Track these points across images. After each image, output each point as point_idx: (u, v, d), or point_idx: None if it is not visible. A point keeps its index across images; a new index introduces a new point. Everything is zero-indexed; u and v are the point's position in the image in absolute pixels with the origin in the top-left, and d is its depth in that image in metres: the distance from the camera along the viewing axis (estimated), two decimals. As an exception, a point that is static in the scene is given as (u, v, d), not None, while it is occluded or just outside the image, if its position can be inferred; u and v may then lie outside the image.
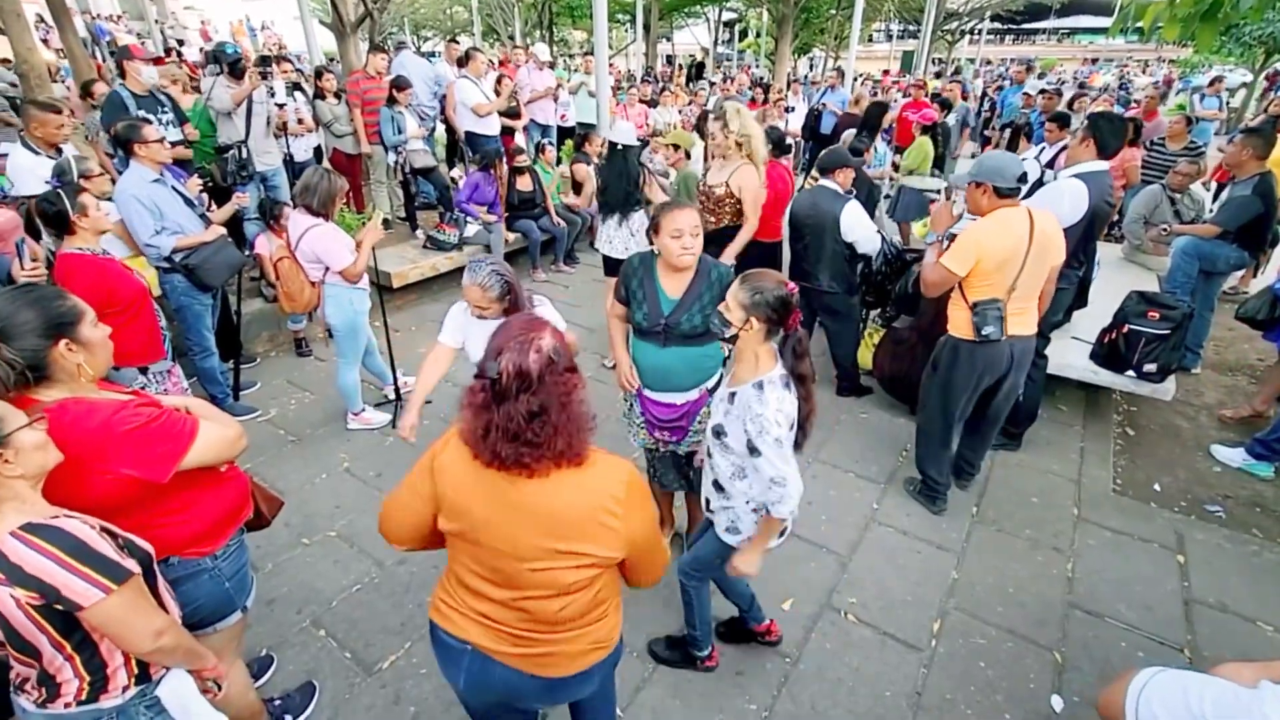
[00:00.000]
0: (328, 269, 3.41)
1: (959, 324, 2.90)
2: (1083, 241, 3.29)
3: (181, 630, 1.45)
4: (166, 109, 4.81)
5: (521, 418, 1.23)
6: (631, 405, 2.61)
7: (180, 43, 12.52)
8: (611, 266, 4.65)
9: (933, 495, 3.30)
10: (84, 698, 1.35)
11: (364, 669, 2.47)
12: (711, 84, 12.52)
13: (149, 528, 1.59)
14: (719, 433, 1.96)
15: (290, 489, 3.41)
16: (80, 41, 10.15)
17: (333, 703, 2.34)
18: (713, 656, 2.44)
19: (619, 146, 4.10)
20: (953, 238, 2.88)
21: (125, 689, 1.40)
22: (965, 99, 8.54)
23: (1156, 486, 3.55)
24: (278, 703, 2.23)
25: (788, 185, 4.59)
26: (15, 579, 1.21)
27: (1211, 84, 9.25)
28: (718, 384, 2.54)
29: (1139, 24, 3.99)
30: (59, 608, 1.23)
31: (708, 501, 2.14)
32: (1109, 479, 3.60)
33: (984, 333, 2.76)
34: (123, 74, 4.65)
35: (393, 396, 4.10)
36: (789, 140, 8.21)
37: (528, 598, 1.36)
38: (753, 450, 1.85)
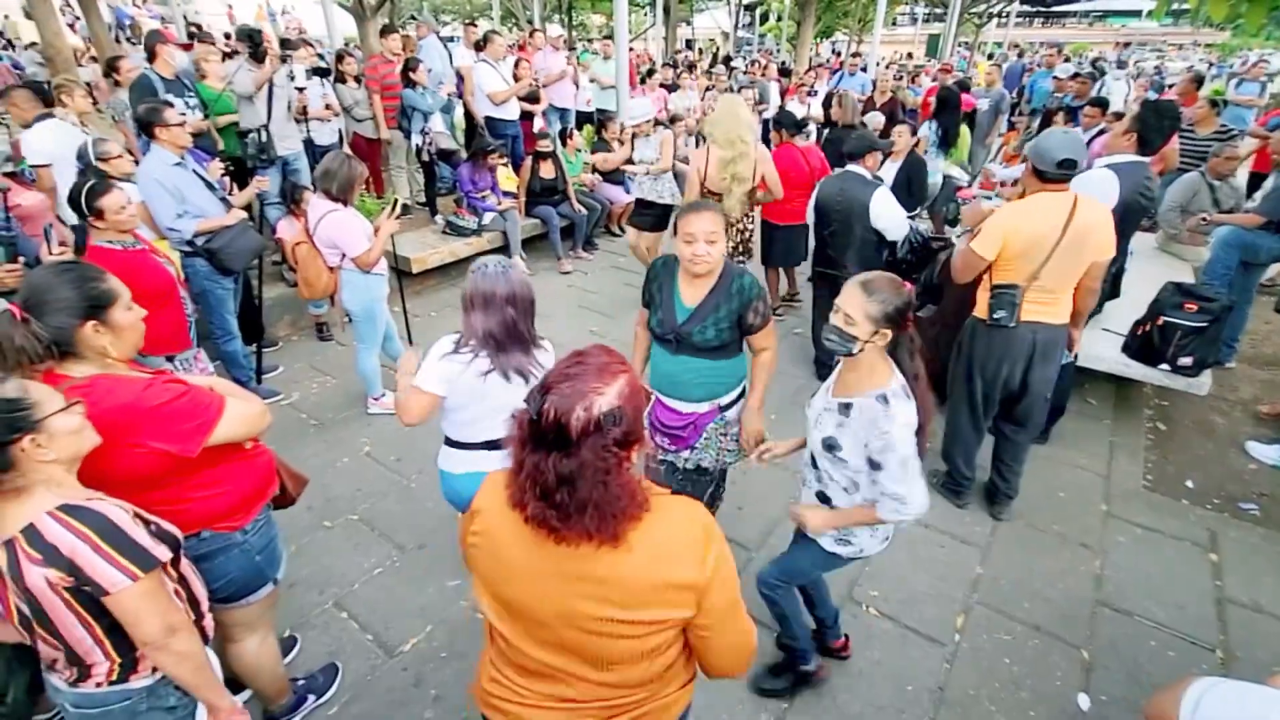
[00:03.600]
0: (344, 255, 3.41)
1: (980, 305, 2.84)
2: (1116, 235, 3.17)
3: (198, 642, 1.41)
4: (192, 94, 4.84)
5: (551, 474, 1.04)
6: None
7: (199, 27, 12.55)
8: (646, 214, 5.07)
9: (956, 489, 3.24)
10: (114, 678, 1.37)
11: (385, 651, 2.49)
12: (731, 69, 12.30)
13: (180, 502, 1.62)
14: (831, 446, 1.80)
15: (312, 472, 3.37)
16: (105, 26, 10.25)
17: (355, 684, 2.36)
18: (824, 666, 2.30)
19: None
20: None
21: (155, 669, 1.41)
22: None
23: (1189, 483, 3.46)
24: (301, 682, 2.26)
25: (800, 166, 4.53)
26: (49, 560, 1.21)
27: (1253, 67, 8.88)
28: (733, 402, 2.39)
29: (1185, 5, 3.78)
30: (87, 589, 1.23)
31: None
32: (1140, 475, 3.52)
33: (995, 316, 2.69)
34: (152, 58, 4.67)
35: (412, 381, 4.11)
36: (812, 126, 8.12)
37: (599, 676, 1.17)
38: (874, 465, 1.73)
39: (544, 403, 1.03)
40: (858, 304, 1.68)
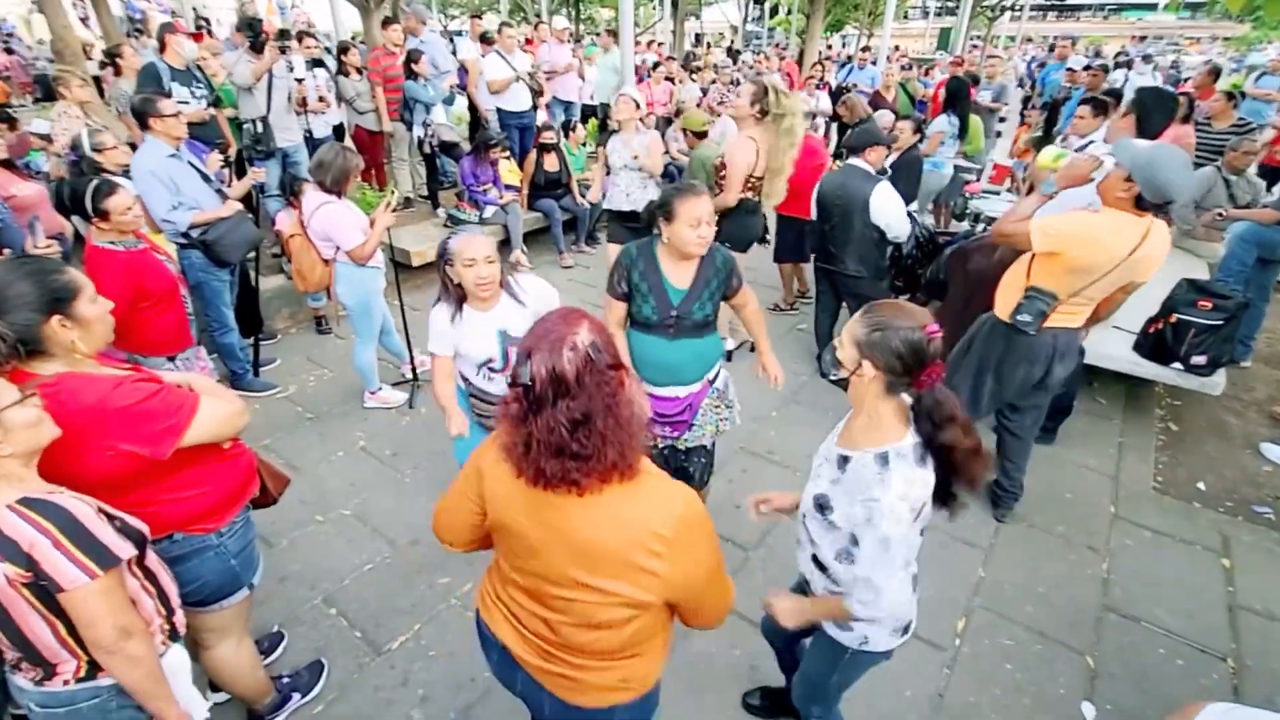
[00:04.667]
0: (339, 248, 3.37)
1: (1005, 302, 2.69)
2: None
3: (152, 647, 1.37)
4: (201, 84, 4.82)
5: (564, 428, 1.07)
6: None
7: (206, 20, 12.58)
8: (623, 226, 4.64)
9: None
10: (82, 675, 1.33)
11: (373, 649, 2.45)
12: (738, 62, 12.20)
13: (151, 504, 1.57)
14: (822, 506, 1.50)
15: (306, 466, 3.41)
16: (115, 21, 10.28)
17: (341, 682, 2.32)
18: None
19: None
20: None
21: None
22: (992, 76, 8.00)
23: (1201, 485, 3.37)
24: (286, 680, 2.22)
25: (809, 161, 4.44)
26: (7, 554, 1.17)
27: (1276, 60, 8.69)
28: (717, 375, 2.45)
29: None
30: (44, 585, 1.19)
31: (805, 585, 1.72)
32: (1149, 476, 3.43)
33: (1017, 318, 2.58)
34: (163, 48, 4.66)
35: (410, 376, 4.08)
36: (821, 120, 8.01)
37: (560, 622, 1.26)
38: (853, 540, 1.43)
39: (533, 367, 1.08)
40: (851, 324, 1.44)
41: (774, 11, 27.67)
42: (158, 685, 1.36)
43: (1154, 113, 3.08)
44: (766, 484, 3.26)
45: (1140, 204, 2.30)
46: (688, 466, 2.56)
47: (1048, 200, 2.54)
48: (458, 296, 2.27)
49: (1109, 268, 2.37)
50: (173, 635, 1.47)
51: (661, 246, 2.25)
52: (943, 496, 1.44)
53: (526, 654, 1.34)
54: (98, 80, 7.22)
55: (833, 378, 1.48)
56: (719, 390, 2.47)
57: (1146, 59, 13.00)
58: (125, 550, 1.28)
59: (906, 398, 1.41)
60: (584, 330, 1.11)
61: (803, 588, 1.75)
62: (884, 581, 1.38)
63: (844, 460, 1.47)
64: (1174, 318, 3.40)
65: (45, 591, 1.21)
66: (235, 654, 1.92)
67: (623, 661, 1.29)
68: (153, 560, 1.45)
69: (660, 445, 2.50)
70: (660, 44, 15.76)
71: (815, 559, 1.60)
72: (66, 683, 1.32)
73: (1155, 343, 3.52)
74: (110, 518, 1.31)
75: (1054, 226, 2.41)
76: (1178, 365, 3.45)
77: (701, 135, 4.78)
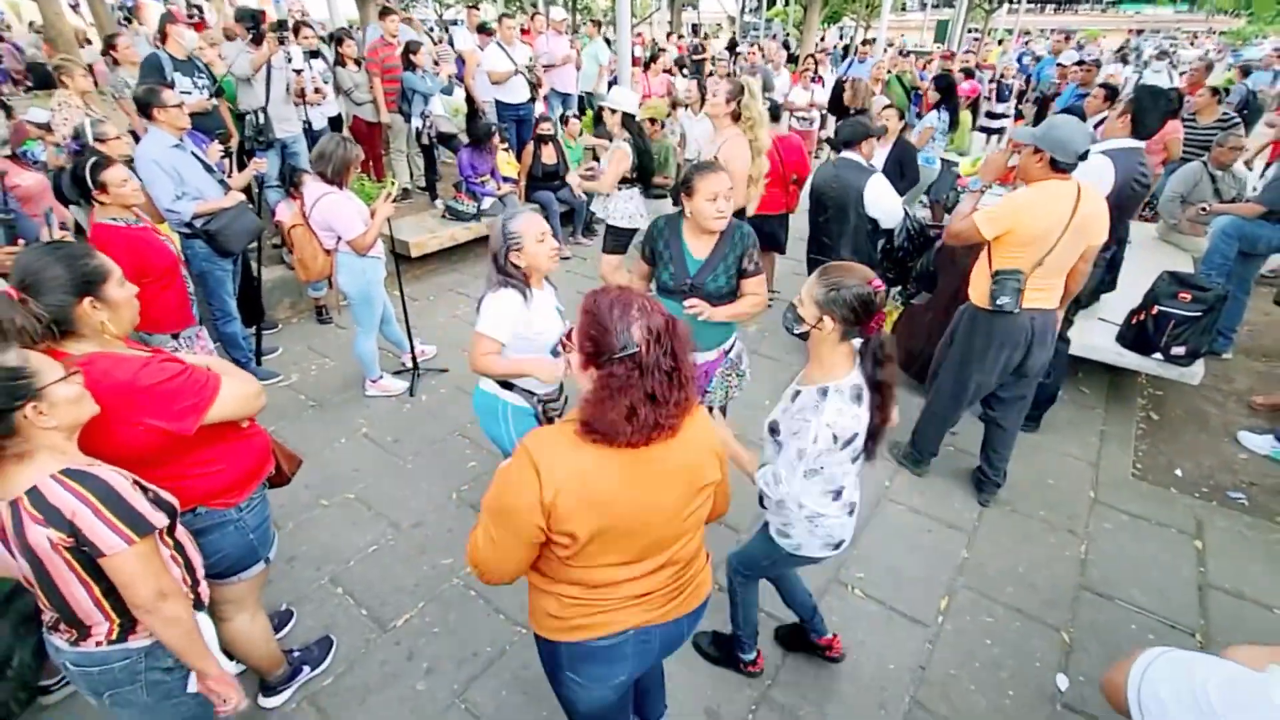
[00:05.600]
0: (340, 238, 3.44)
1: (979, 292, 2.83)
2: (1110, 223, 3.18)
3: (189, 608, 1.45)
4: (203, 75, 4.85)
5: (665, 377, 1.23)
6: None
7: (199, 9, 12.50)
8: (622, 239, 4.61)
9: (917, 460, 3.34)
10: (114, 637, 1.42)
11: (379, 625, 2.54)
12: (736, 54, 12.22)
13: (178, 478, 1.66)
14: (774, 430, 1.83)
15: (310, 452, 3.47)
16: (107, 8, 10.21)
17: (349, 656, 2.42)
18: (758, 661, 2.35)
19: (635, 119, 4.08)
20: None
21: (153, 632, 1.45)
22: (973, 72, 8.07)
23: (1178, 472, 3.49)
24: (297, 654, 2.32)
25: (770, 156, 4.52)
26: (52, 520, 1.26)
27: (1270, 56, 8.75)
28: (733, 346, 2.64)
29: None
30: (85, 550, 1.28)
31: (761, 499, 1.99)
32: (1129, 463, 3.54)
33: (998, 302, 2.69)
34: (164, 38, 4.68)
35: (410, 365, 4.15)
36: (815, 112, 8.06)
37: (678, 551, 1.42)
38: (779, 441, 1.79)
39: (635, 334, 1.21)
40: (808, 285, 1.70)
41: (771, 3, 27.60)
42: (196, 643, 1.46)
43: (1150, 112, 3.16)
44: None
45: (1056, 166, 2.55)
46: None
47: (980, 195, 2.82)
48: (524, 279, 2.18)
49: (1059, 231, 2.57)
50: (197, 605, 1.56)
51: (686, 220, 2.43)
52: (870, 439, 1.75)
53: (658, 609, 1.44)
54: (90, 68, 7.21)
55: (796, 332, 1.74)
56: (733, 360, 2.65)
57: (1163, 55, 12.16)
58: (159, 519, 1.37)
59: (855, 342, 1.72)
60: (639, 295, 1.28)
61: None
62: (786, 476, 1.74)
63: (796, 394, 1.80)
64: (1155, 309, 3.50)
65: (86, 556, 1.30)
66: (250, 626, 2.02)
67: (703, 548, 1.55)
68: (181, 532, 1.54)
69: None
70: (654, 39, 15.73)
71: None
72: (99, 644, 1.41)
73: (1137, 334, 3.63)
74: (144, 489, 1.39)
75: (995, 210, 2.65)
76: (1158, 356, 3.55)
77: (657, 124, 4.83)
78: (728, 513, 1.63)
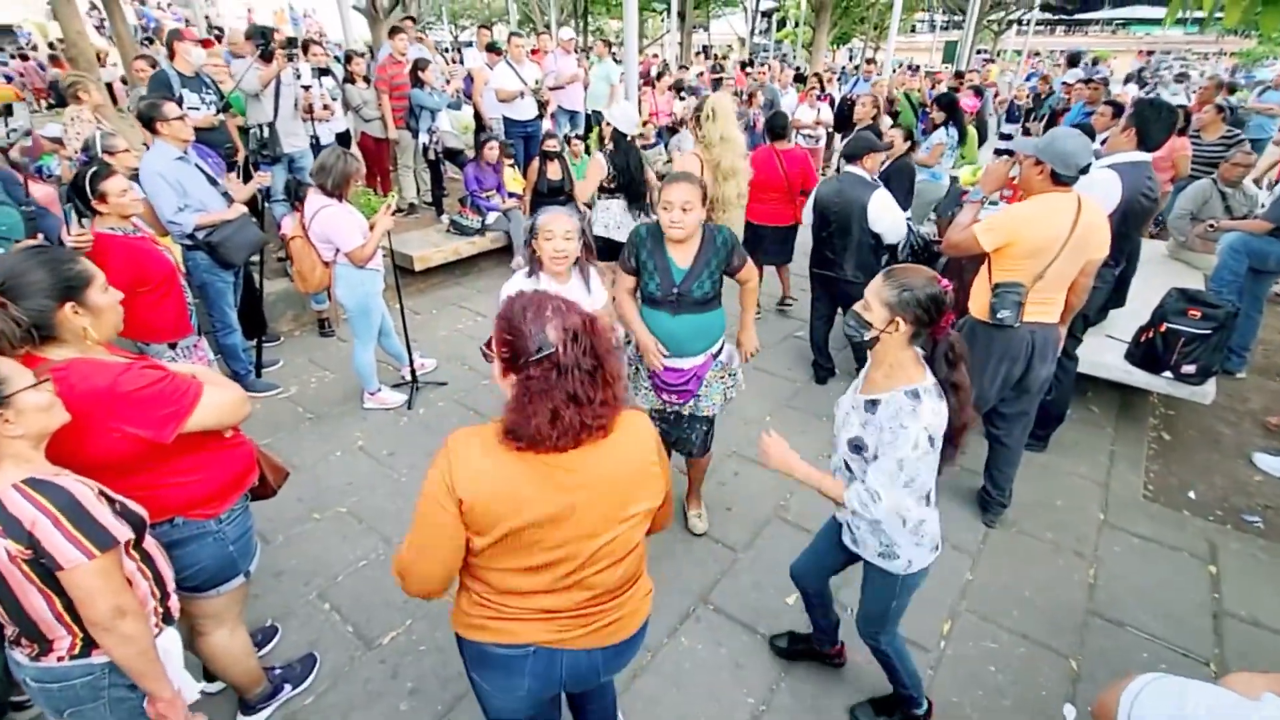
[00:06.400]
0: (339, 250, 3.44)
1: (979, 304, 2.79)
2: (1117, 238, 3.12)
3: (147, 628, 1.40)
4: (210, 91, 4.93)
5: (586, 378, 1.21)
6: (637, 369, 2.68)
7: (221, 30, 12.83)
8: (611, 250, 4.61)
9: None
10: (76, 652, 1.38)
11: (365, 643, 2.49)
12: (748, 74, 12.33)
13: (154, 488, 1.63)
14: (859, 447, 1.73)
15: (305, 464, 3.47)
16: (129, 29, 10.49)
17: (332, 674, 2.36)
18: (929, 714, 2.17)
19: (626, 136, 4.15)
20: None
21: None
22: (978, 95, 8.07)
23: (1191, 494, 3.38)
24: (278, 671, 2.27)
25: (774, 170, 4.58)
26: (10, 532, 1.23)
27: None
28: (721, 349, 2.64)
29: (1198, 11, 3.64)
30: (44, 563, 1.25)
31: (850, 529, 1.93)
32: (1140, 484, 3.44)
33: (999, 316, 2.64)
34: (172, 55, 4.77)
35: (409, 378, 4.14)
36: (822, 130, 8.08)
37: (592, 576, 1.33)
38: (874, 455, 1.68)
39: (551, 334, 1.20)
40: (875, 288, 1.65)
41: (780, 25, 27.90)
42: (151, 664, 1.40)
43: (1154, 123, 3.12)
44: (757, 487, 3.30)
45: (1056, 179, 2.52)
46: (690, 434, 2.78)
47: (980, 206, 2.79)
48: (539, 267, 2.39)
49: (1059, 243, 2.53)
50: (166, 619, 1.52)
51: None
52: (951, 442, 1.69)
53: (566, 632, 1.37)
54: (109, 87, 7.38)
55: (866, 339, 1.68)
56: (722, 363, 2.65)
57: (1181, 78, 11.79)
58: (123, 533, 1.34)
59: (917, 349, 1.68)
60: (557, 298, 1.28)
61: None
62: (885, 492, 1.64)
63: (872, 404, 1.68)
64: (1164, 326, 3.43)
65: (45, 569, 1.26)
66: (229, 641, 1.97)
67: (639, 581, 1.47)
68: (150, 544, 1.51)
69: (667, 411, 2.70)
70: (658, 56, 15.94)
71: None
72: (61, 659, 1.37)
73: (1146, 351, 3.55)
74: (110, 501, 1.36)
75: (995, 222, 2.61)
76: (1168, 374, 3.47)
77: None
78: (670, 520, 1.56)
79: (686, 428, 2.76)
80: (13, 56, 15.24)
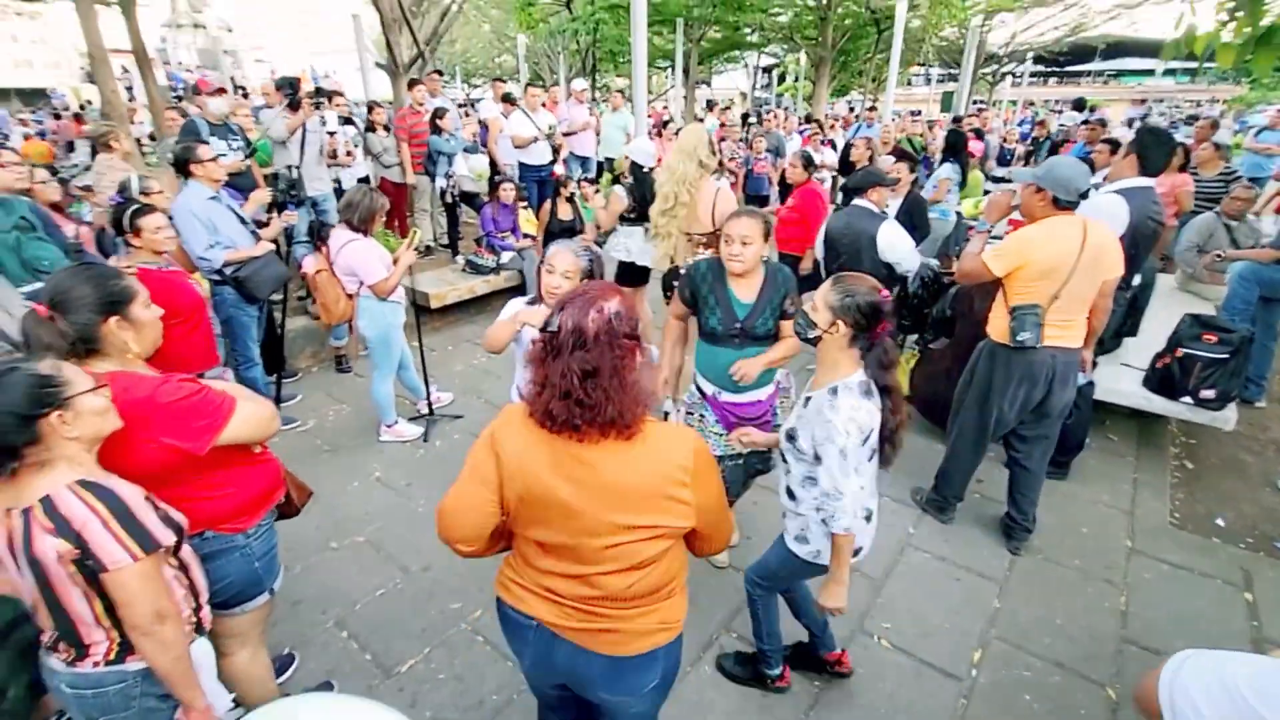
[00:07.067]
0: (362, 283, 3.53)
1: (998, 328, 2.81)
2: (1127, 259, 3.17)
3: (183, 635, 1.41)
4: (237, 137, 5.16)
5: (575, 375, 1.22)
6: (702, 415, 2.62)
7: (243, 89, 13.50)
8: (631, 274, 4.68)
9: (942, 506, 3.22)
10: (112, 658, 1.38)
11: (383, 671, 2.45)
12: (750, 124, 12.77)
13: (188, 500, 1.65)
14: (791, 436, 1.90)
15: (323, 495, 3.44)
16: (160, 90, 11.03)
17: (350, 703, 2.31)
18: (784, 676, 2.33)
19: (644, 168, 4.31)
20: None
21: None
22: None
23: (1219, 521, 3.32)
24: (296, 699, 2.22)
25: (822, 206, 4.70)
26: (60, 530, 1.25)
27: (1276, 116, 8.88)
28: (785, 376, 2.68)
29: (1190, 55, 3.77)
30: (89, 564, 1.26)
31: (783, 509, 2.07)
32: (1165, 511, 3.39)
33: (1019, 338, 2.66)
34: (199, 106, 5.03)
35: (426, 411, 4.17)
36: (826, 173, 8.30)
37: (599, 573, 1.33)
38: (816, 457, 1.80)
39: (561, 318, 1.26)
40: (823, 292, 1.80)
41: (782, 79, 28.90)
42: (186, 672, 1.40)
43: (1154, 148, 3.20)
44: (776, 517, 3.26)
45: (1058, 203, 2.59)
46: (770, 465, 2.77)
47: (987, 235, 2.87)
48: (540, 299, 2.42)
49: (1071, 263, 2.57)
50: (199, 629, 1.52)
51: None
52: (881, 442, 1.84)
53: (567, 620, 1.38)
54: (138, 141, 7.74)
55: (809, 336, 1.84)
56: (784, 388, 2.69)
57: (1191, 120, 11.87)
58: (167, 537, 1.36)
59: (857, 350, 1.80)
60: (614, 300, 1.29)
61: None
62: (842, 487, 1.74)
63: (807, 400, 1.88)
64: (1180, 352, 3.44)
65: (90, 570, 1.28)
66: (250, 663, 1.95)
67: (659, 604, 1.41)
68: (187, 553, 1.52)
69: (746, 451, 2.61)
70: (666, 108, 16.55)
71: (788, 489, 1.98)
72: (96, 664, 1.37)
73: (1163, 377, 3.55)
74: (154, 506, 1.39)
75: (1003, 248, 2.68)
76: (1188, 399, 3.46)
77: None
78: (720, 546, 1.52)
79: (758, 464, 2.76)
80: (49, 116, 15.98)
